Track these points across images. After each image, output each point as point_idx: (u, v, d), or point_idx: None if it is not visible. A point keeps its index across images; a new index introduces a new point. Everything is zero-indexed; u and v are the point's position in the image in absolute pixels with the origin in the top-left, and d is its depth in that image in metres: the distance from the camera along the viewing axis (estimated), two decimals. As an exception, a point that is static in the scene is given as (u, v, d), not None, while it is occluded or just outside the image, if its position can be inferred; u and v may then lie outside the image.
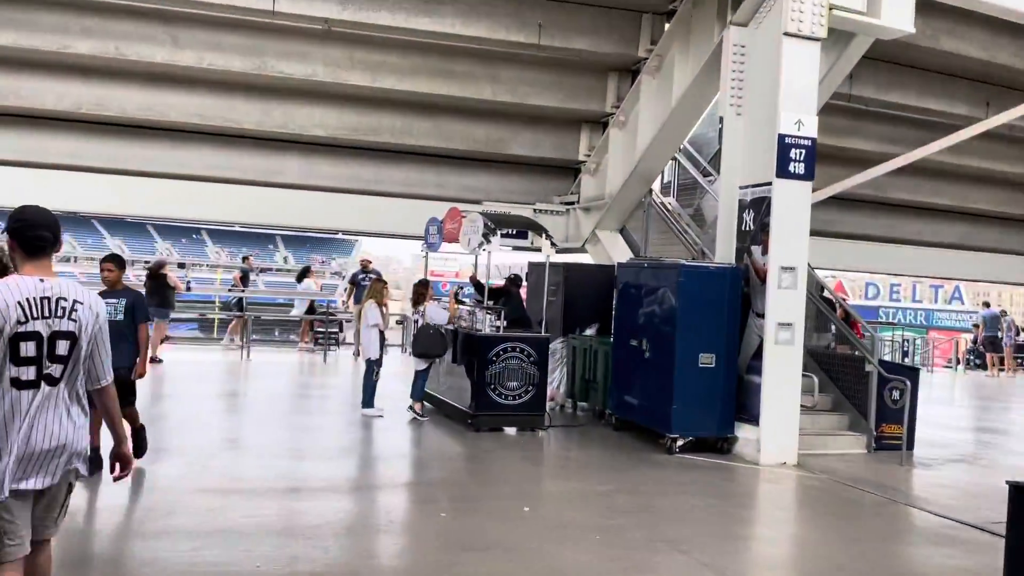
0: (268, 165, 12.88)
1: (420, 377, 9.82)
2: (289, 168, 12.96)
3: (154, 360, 13.69)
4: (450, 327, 9.79)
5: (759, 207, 8.84)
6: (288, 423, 9.26)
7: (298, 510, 5.92)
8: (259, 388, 11.91)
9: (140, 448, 6.30)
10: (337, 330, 16.49)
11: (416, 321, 9.95)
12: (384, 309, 10.40)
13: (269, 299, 29.44)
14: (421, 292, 9.99)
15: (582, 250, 13.02)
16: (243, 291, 15.62)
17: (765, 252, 8.65)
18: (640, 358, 9.20)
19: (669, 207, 12.56)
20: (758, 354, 8.71)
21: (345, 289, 16.64)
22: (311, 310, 17.34)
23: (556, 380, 11.04)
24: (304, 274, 17.31)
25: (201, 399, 10.49)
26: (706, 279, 8.80)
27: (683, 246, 11.49)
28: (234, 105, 11.98)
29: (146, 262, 71.70)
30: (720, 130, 14.01)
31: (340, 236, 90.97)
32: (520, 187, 13.68)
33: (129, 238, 78.96)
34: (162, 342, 14.58)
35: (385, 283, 10.55)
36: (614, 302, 10.31)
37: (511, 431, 9.37)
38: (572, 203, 13.61)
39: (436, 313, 9.86)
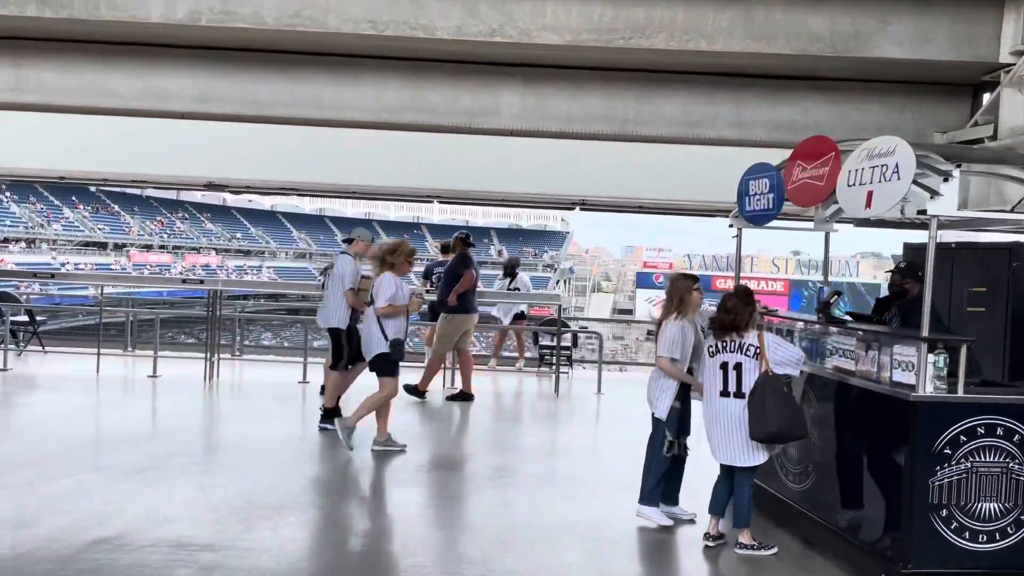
0: (475, 101, 8.64)
1: (747, 482, 5.11)
2: (506, 104, 8.64)
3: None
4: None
5: None
6: (506, 537, 4.82)
7: None
8: (466, 443, 7.66)
9: None
10: (570, 345, 12.03)
11: (736, 365, 5.12)
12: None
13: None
14: (744, 315, 5.16)
15: (999, 223, 7.44)
16: (427, 290, 11.29)
17: None
18: None
19: None
20: None
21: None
22: (521, 315, 13.05)
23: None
24: (514, 268, 12.76)
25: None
26: None
27: None
28: (421, 2, 7.70)
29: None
30: None
31: (549, 227, 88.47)
32: (874, 119, 8.44)
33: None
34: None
35: (696, 280, 5.86)
36: None
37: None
38: (979, 141, 8.06)
39: (783, 355, 5.03)
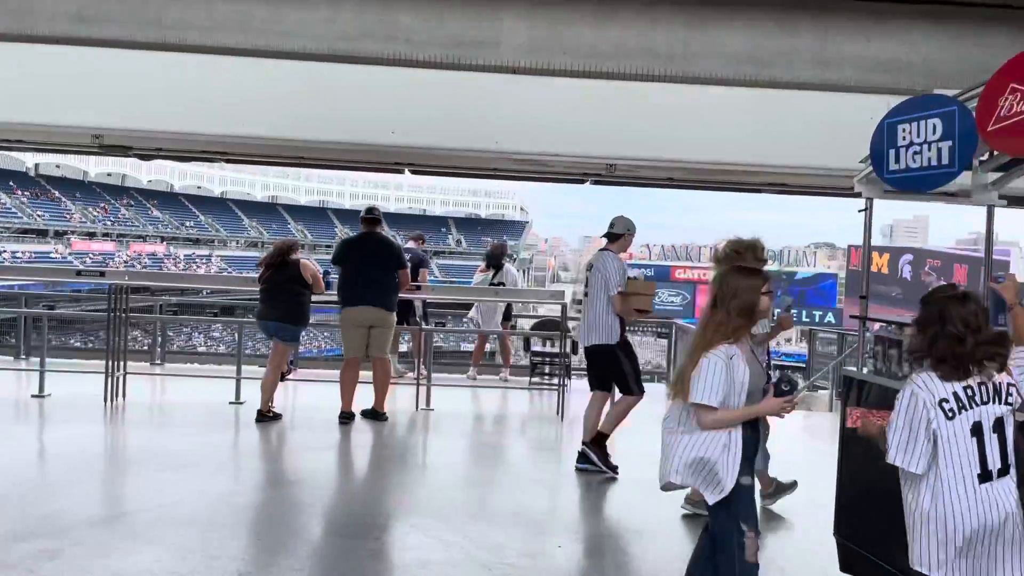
0: (465, 27, 6.25)
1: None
2: (508, 31, 6.28)
3: (267, 417, 7.68)
4: None
5: None
6: None
7: None
8: (448, 504, 5.30)
9: None
10: (569, 351, 9.72)
11: (996, 424, 2.79)
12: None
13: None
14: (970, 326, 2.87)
15: None
16: (418, 287, 9.42)
17: None
18: None
19: None
20: None
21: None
22: (507, 315, 11.09)
23: None
24: (499, 259, 10.78)
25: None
26: None
27: None
28: None
29: (328, 245, 69.82)
30: None
31: (507, 216, 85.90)
32: (1003, 59, 6.15)
33: (311, 225, 77.93)
34: (282, 378, 8.39)
35: (766, 280, 3.46)
36: None
37: None
38: None
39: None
